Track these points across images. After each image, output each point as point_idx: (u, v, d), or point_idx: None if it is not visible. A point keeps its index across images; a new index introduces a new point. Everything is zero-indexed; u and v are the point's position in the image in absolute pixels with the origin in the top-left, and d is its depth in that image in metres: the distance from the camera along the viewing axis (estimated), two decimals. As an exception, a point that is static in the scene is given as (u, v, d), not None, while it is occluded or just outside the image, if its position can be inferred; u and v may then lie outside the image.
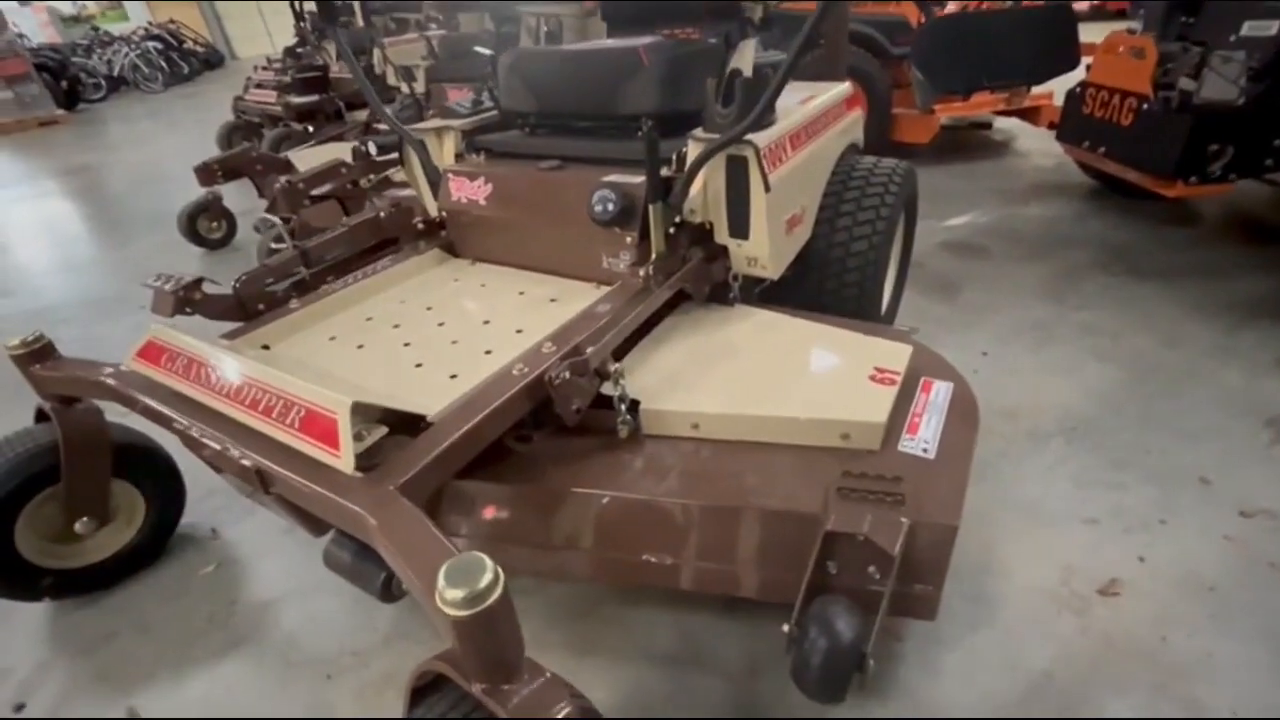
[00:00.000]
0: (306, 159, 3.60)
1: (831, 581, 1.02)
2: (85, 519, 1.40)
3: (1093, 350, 2.00)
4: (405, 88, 4.17)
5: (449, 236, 1.79)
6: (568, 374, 1.10)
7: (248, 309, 1.44)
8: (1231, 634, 1.18)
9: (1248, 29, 1.99)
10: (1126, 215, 2.83)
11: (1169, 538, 1.38)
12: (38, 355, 1.31)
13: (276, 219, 1.62)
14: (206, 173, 3.56)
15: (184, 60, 14.14)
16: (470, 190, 1.68)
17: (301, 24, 6.18)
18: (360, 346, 1.36)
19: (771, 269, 1.52)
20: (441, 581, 0.66)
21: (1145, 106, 2.21)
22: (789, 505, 1.08)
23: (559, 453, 1.21)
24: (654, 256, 1.40)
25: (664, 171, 1.46)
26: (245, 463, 0.97)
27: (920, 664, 1.16)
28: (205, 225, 3.61)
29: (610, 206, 1.39)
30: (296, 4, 6.03)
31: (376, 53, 5.40)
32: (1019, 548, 1.37)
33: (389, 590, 1.08)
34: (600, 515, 1.13)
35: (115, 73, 12.60)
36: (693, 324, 1.50)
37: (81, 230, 4.48)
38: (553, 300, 1.50)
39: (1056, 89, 3.27)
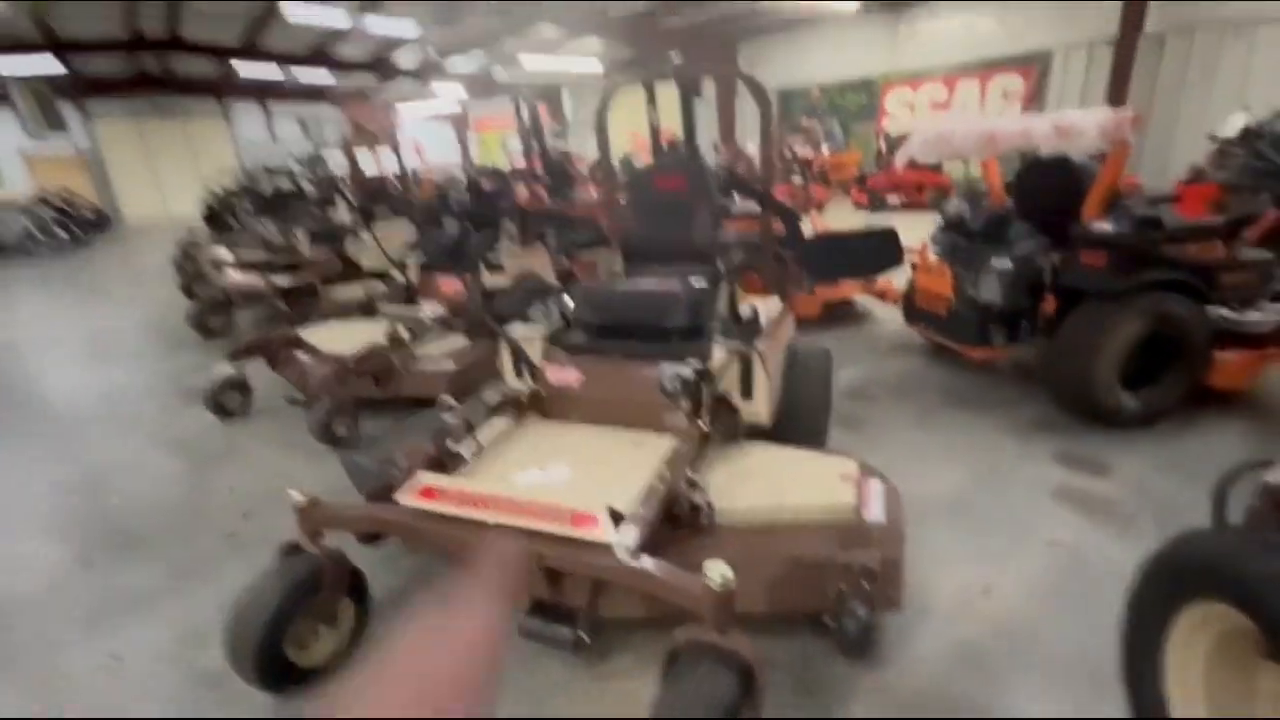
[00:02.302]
0: (319, 336, 4.24)
1: (846, 592, 1.85)
2: (324, 626, 1.93)
3: (950, 459, 3.09)
4: (398, 275, 4.98)
5: (544, 406, 2.58)
6: (687, 487, 1.93)
7: (446, 466, 2.13)
8: (1061, 608, 2.12)
9: (994, 264, 3.42)
10: (954, 367, 4.17)
11: (1015, 561, 2.35)
12: (313, 505, 1.91)
13: (454, 402, 2.32)
14: (236, 353, 4.10)
15: (78, 226, 14.03)
16: (565, 376, 2.53)
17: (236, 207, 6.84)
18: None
19: (767, 420, 2.48)
20: (710, 572, 1.43)
21: (951, 304, 3.57)
22: (816, 555, 1.92)
23: (671, 537, 1.98)
24: (705, 416, 2.30)
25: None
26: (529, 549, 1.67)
27: (898, 638, 2.00)
28: (227, 397, 4.05)
29: (679, 386, 2.29)
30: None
31: (349, 240, 6.21)
32: (934, 574, 2.28)
33: (578, 645, 1.76)
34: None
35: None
36: (719, 455, 2.37)
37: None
38: (637, 445, 2.32)
39: (897, 277, 4.77)
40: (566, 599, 1.82)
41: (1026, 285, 3.42)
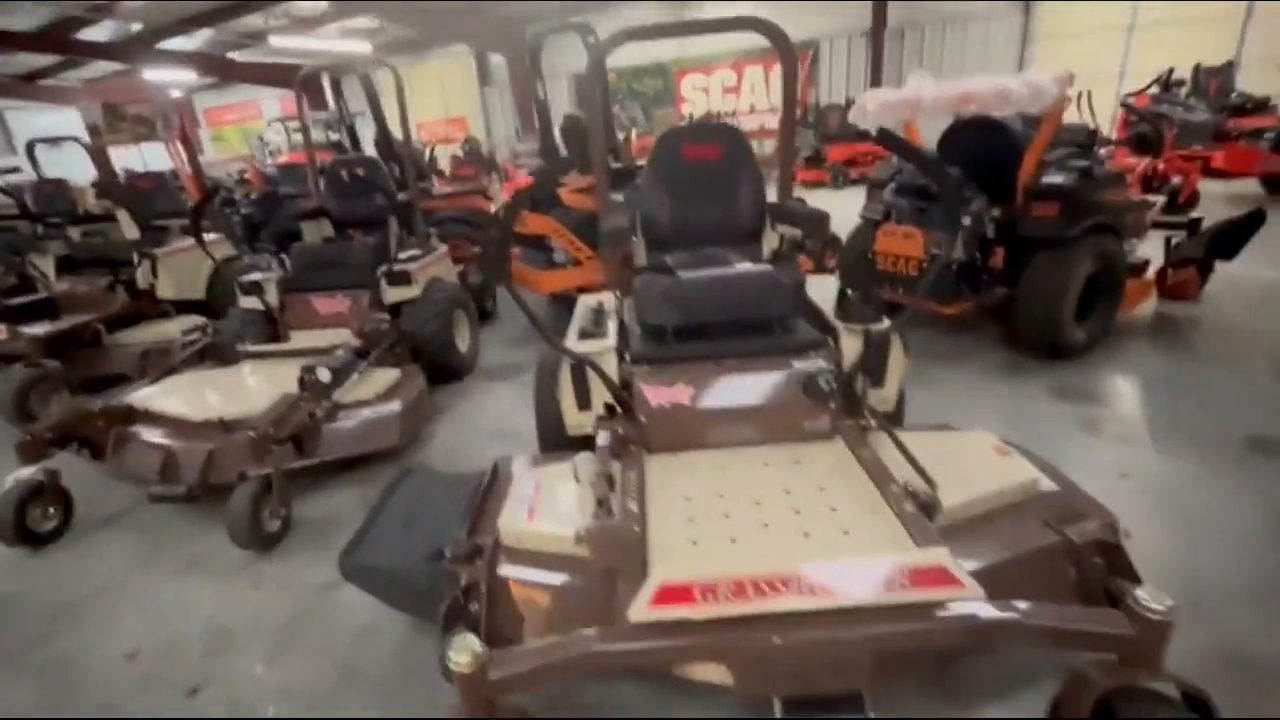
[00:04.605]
0: (166, 402, 3.04)
1: (1095, 572, 1.69)
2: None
3: (972, 408, 3.18)
4: (257, 302, 3.74)
5: (644, 436, 2.02)
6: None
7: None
8: (1182, 524, 2.23)
9: (966, 221, 3.58)
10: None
11: (1108, 499, 2.44)
12: (485, 663, 1.21)
13: (593, 454, 1.67)
14: (35, 446, 2.73)
15: None
16: (670, 395, 2.01)
17: None
18: (733, 541, 1.58)
19: (893, 406, 2.23)
20: (1149, 600, 1.15)
21: (923, 264, 3.69)
22: (1048, 540, 1.72)
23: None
24: (866, 411, 1.98)
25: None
26: (857, 637, 1.22)
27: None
28: (36, 515, 2.65)
29: (832, 385, 1.94)
30: None
31: (144, 267, 4.66)
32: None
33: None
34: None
35: None
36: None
37: None
38: (797, 462, 1.92)
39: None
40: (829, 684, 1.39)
41: (979, 240, 3.65)
